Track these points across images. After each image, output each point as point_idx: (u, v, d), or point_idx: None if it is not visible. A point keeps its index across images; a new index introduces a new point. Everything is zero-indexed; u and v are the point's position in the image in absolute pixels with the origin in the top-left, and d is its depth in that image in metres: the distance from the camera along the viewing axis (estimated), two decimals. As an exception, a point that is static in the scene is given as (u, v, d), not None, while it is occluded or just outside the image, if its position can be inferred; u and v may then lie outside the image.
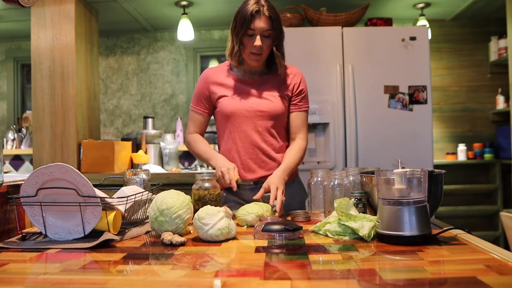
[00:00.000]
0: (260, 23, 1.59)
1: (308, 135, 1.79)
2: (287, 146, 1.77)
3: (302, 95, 1.76)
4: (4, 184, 1.31)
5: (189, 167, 3.77)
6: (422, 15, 3.90)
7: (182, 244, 1.11)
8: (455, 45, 4.26)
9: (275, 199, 1.49)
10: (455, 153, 4.19)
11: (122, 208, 1.25)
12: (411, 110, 2.99)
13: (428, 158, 2.96)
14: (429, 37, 3.31)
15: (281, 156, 1.72)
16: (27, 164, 3.85)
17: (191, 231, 1.28)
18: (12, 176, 1.53)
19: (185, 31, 3.78)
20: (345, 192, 1.39)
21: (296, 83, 1.75)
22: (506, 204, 4.08)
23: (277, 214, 1.44)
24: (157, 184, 1.53)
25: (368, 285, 0.78)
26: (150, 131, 3.66)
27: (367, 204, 1.32)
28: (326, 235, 1.19)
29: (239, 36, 1.63)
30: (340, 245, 1.09)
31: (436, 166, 3.32)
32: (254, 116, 1.69)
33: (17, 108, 4.65)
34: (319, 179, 1.49)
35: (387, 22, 3.29)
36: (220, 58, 4.53)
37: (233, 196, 1.73)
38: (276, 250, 1.06)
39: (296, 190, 1.79)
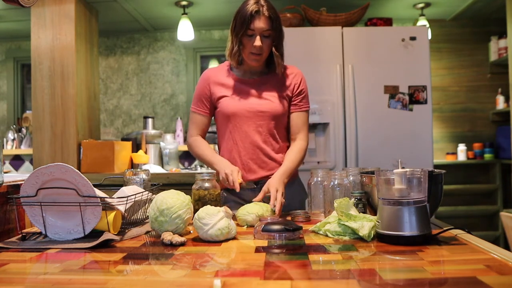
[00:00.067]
0: (259, 23, 1.59)
1: (308, 135, 1.79)
2: (288, 147, 1.77)
3: (302, 95, 1.76)
4: (4, 184, 1.31)
5: (189, 167, 3.77)
6: (422, 15, 3.90)
7: (182, 244, 1.11)
8: (455, 45, 4.26)
9: (275, 200, 1.49)
10: (455, 153, 4.19)
11: (122, 208, 1.25)
12: (411, 110, 2.99)
13: (428, 158, 2.96)
14: (429, 37, 3.31)
15: (282, 157, 1.72)
16: (27, 164, 3.85)
17: (191, 231, 1.28)
18: (12, 176, 1.53)
19: (185, 31, 3.78)
20: (345, 192, 1.39)
21: (296, 83, 1.75)
22: (506, 204, 4.08)
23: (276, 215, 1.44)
24: (157, 184, 1.53)
25: (368, 285, 0.78)
26: (150, 131, 3.66)
27: (367, 204, 1.32)
28: (326, 235, 1.19)
29: (238, 36, 1.63)
30: (340, 245, 1.09)
31: (436, 166, 3.32)
32: (254, 116, 1.69)
33: (17, 108, 4.65)
34: (319, 179, 1.49)
35: (387, 22, 3.29)
36: (220, 58, 4.53)
37: (233, 196, 1.73)
38: (276, 250, 1.06)
39: (296, 190, 1.79)
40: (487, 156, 4.12)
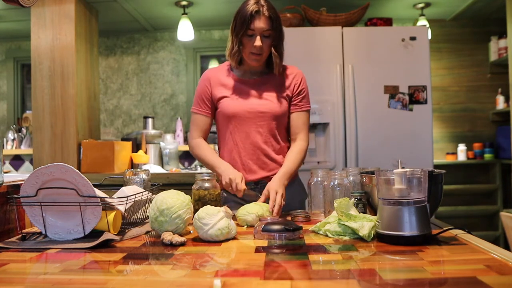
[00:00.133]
0: (260, 23, 1.59)
1: (309, 136, 1.78)
2: (288, 147, 1.76)
3: (303, 95, 1.75)
4: (4, 184, 1.31)
5: (189, 167, 3.77)
6: (422, 15, 3.90)
7: (182, 244, 1.11)
8: (455, 45, 4.26)
9: (274, 203, 1.49)
10: (455, 153, 4.19)
11: (122, 208, 1.25)
12: (411, 110, 2.99)
13: (428, 158, 2.96)
14: (429, 37, 3.31)
15: (282, 158, 1.72)
16: (27, 164, 3.85)
17: (191, 231, 1.28)
18: (12, 176, 1.53)
19: (185, 31, 3.78)
20: (345, 192, 1.39)
21: (297, 83, 1.75)
22: (506, 204, 4.08)
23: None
24: (157, 184, 1.53)
25: (368, 285, 0.78)
26: (150, 131, 3.66)
27: (367, 204, 1.32)
28: (326, 235, 1.19)
29: (239, 36, 1.63)
30: (340, 245, 1.09)
31: (436, 166, 3.32)
32: (255, 117, 1.69)
33: (17, 108, 4.65)
34: (319, 179, 1.49)
35: (387, 22, 3.29)
36: (220, 58, 4.53)
37: (233, 196, 1.72)
38: (276, 250, 1.06)
39: (296, 190, 1.79)
40: (487, 156, 4.12)
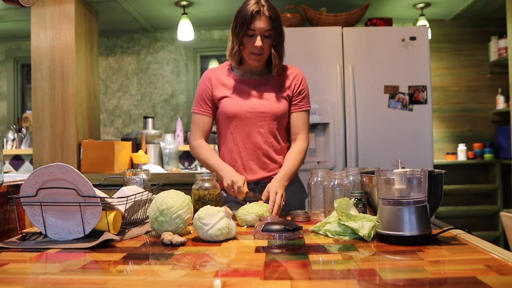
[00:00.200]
0: (260, 23, 1.59)
1: (309, 136, 1.78)
2: (289, 147, 1.76)
3: (303, 95, 1.75)
4: (4, 184, 1.31)
5: (189, 167, 3.77)
6: (422, 15, 3.90)
7: (182, 244, 1.11)
8: (455, 45, 4.26)
9: (273, 203, 1.49)
10: (455, 153, 4.19)
11: (122, 208, 1.25)
12: (411, 110, 2.99)
13: (428, 158, 2.96)
14: (429, 37, 3.32)
15: (282, 158, 1.72)
16: (27, 164, 3.85)
17: (191, 231, 1.28)
18: (12, 176, 1.53)
19: (185, 31, 3.78)
20: (345, 192, 1.39)
21: (297, 83, 1.75)
22: (506, 204, 4.08)
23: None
24: (157, 184, 1.53)
25: (368, 285, 0.78)
26: (150, 131, 3.66)
27: (367, 204, 1.32)
28: (326, 235, 1.19)
29: (239, 36, 1.63)
30: (340, 245, 1.09)
31: (436, 166, 3.32)
32: (256, 117, 1.69)
33: (17, 108, 4.65)
34: (319, 179, 1.49)
35: (387, 22, 3.29)
36: (220, 58, 4.53)
37: (233, 196, 1.72)
38: (276, 250, 1.06)
39: (296, 190, 1.79)
40: (487, 156, 4.12)
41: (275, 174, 1.65)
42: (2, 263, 0.97)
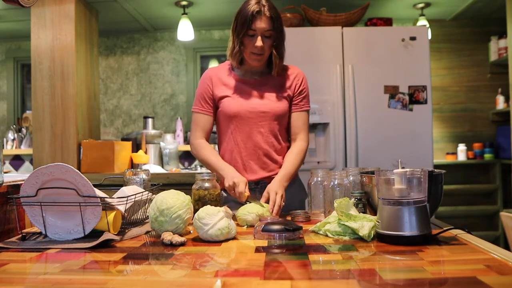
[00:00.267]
0: (261, 24, 1.59)
1: (309, 136, 1.78)
2: (289, 147, 1.76)
3: (303, 95, 1.75)
4: (4, 184, 1.31)
5: (189, 167, 3.77)
6: (422, 15, 3.90)
7: (182, 244, 1.11)
8: (455, 45, 4.26)
9: (274, 204, 1.49)
10: (455, 153, 4.19)
11: (122, 208, 1.25)
12: (411, 110, 2.99)
13: (428, 158, 2.96)
14: (429, 37, 3.32)
15: (283, 158, 1.72)
16: (27, 164, 3.85)
17: (191, 231, 1.28)
18: (12, 176, 1.53)
19: (185, 31, 3.78)
20: (345, 192, 1.39)
21: (298, 83, 1.75)
22: (506, 204, 4.08)
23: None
24: (157, 184, 1.53)
25: (368, 285, 0.78)
26: (150, 131, 3.66)
27: (367, 204, 1.32)
28: (326, 235, 1.19)
29: (240, 36, 1.63)
30: (340, 245, 1.09)
31: (436, 166, 3.32)
32: (256, 117, 1.69)
33: (17, 108, 4.65)
34: (319, 179, 1.49)
35: (387, 22, 3.29)
36: (220, 58, 4.54)
37: (232, 196, 1.72)
38: (276, 250, 1.06)
39: (296, 190, 1.79)
40: (487, 156, 4.12)
41: (275, 174, 1.65)
42: (2, 263, 0.97)
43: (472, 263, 0.90)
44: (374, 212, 1.29)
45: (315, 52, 3.00)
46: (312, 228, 1.26)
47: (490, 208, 4.08)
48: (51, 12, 3.23)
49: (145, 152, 3.50)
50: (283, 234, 1.16)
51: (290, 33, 2.73)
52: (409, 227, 1.05)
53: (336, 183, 1.40)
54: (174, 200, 1.19)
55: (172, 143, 3.58)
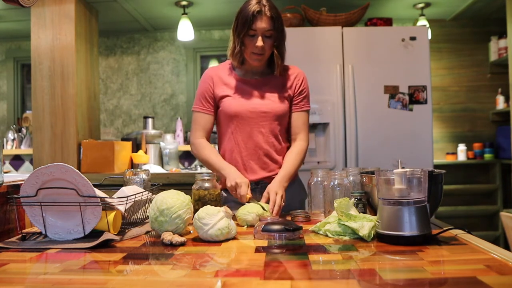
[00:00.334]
0: (261, 24, 1.59)
1: (309, 136, 1.78)
2: (289, 147, 1.76)
3: (304, 95, 1.75)
4: (4, 184, 1.31)
5: (189, 167, 3.77)
6: (422, 15, 3.90)
7: (182, 244, 1.11)
8: (455, 45, 4.26)
9: (274, 204, 1.49)
10: (455, 153, 4.19)
11: (122, 208, 1.25)
12: (411, 110, 2.99)
13: (428, 158, 2.96)
14: (429, 37, 3.32)
15: (283, 158, 1.72)
16: (27, 164, 3.85)
17: (191, 231, 1.28)
18: (12, 176, 1.53)
19: (185, 31, 3.78)
20: (345, 192, 1.39)
21: (298, 83, 1.75)
22: (506, 204, 4.08)
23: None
24: (157, 184, 1.53)
25: (368, 285, 0.78)
26: (150, 131, 3.66)
27: (367, 204, 1.32)
28: (326, 235, 1.19)
29: (240, 36, 1.62)
30: (340, 245, 1.09)
31: (436, 166, 3.32)
32: (257, 117, 1.69)
33: (17, 108, 4.65)
34: (319, 179, 1.49)
35: (387, 22, 3.29)
36: (220, 58, 4.53)
37: (233, 196, 1.72)
38: (276, 250, 1.06)
39: (296, 190, 1.79)
40: (487, 156, 4.12)
41: (276, 174, 1.65)
42: (2, 263, 0.97)
43: (472, 263, 0.90)
44: (374, 212, 1.29)
45: (315, 52, 3.00)
46: (312, 228, 1.26)
47: (490, 208, 4.08)
48: (51, 12, 3.23)
49: (145, 152, 3.50)
50: (283, 234, 1.16)
51: (290, 33, 2.72)
52: (409, 227, 1.05)
53: (336, 183, 1.40)
54: (174, 200, 1.19)
55: (172, 143, 3.58)
